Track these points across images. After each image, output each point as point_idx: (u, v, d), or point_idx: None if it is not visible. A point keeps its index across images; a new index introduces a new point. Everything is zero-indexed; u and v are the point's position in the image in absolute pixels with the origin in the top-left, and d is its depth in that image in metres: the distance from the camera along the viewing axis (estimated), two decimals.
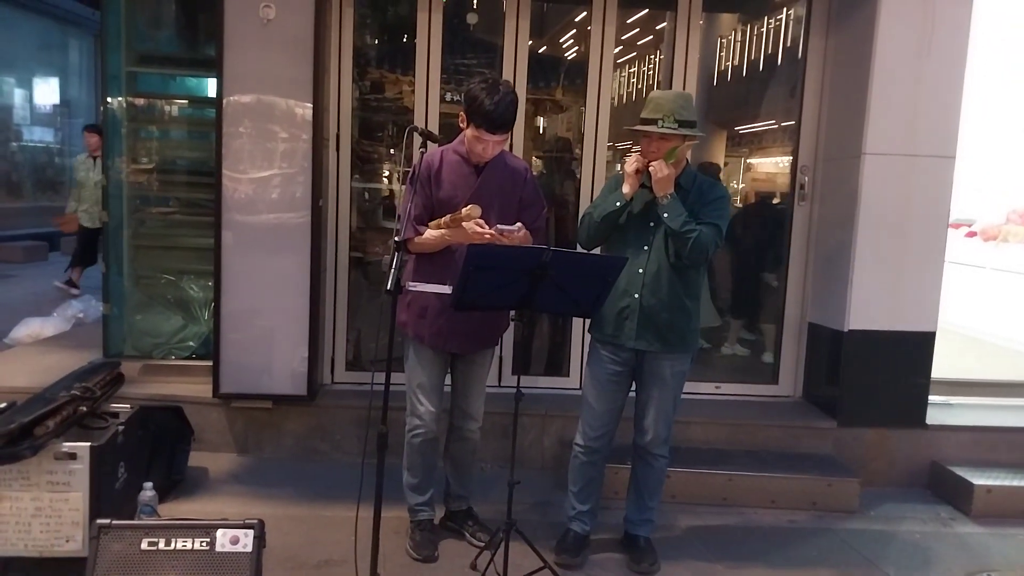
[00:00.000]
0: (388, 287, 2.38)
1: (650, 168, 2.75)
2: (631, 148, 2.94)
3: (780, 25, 4.79)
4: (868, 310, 3.87)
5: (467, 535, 3.12)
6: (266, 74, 3.61)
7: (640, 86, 5.35)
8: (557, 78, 4.77)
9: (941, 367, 4.03)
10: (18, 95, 12.61)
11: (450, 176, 2.83)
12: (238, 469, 3.74)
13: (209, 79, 4.30)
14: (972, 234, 7.98)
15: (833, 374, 4.01)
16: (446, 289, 2.62)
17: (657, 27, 4.69)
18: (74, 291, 7.51)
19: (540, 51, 4.66)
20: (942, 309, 3.94)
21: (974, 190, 7.45)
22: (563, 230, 4.50)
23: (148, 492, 2.94)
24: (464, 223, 2.63)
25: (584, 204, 4.10)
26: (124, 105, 4.33)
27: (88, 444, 2.71)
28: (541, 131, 5.16)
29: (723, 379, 4.42)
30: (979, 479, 3.74)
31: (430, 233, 2.76)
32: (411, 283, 2.69)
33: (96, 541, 2.17)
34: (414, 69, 4.06)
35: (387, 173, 4.61)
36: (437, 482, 3.14)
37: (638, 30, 4.83)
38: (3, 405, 2.88)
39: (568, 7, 4.73)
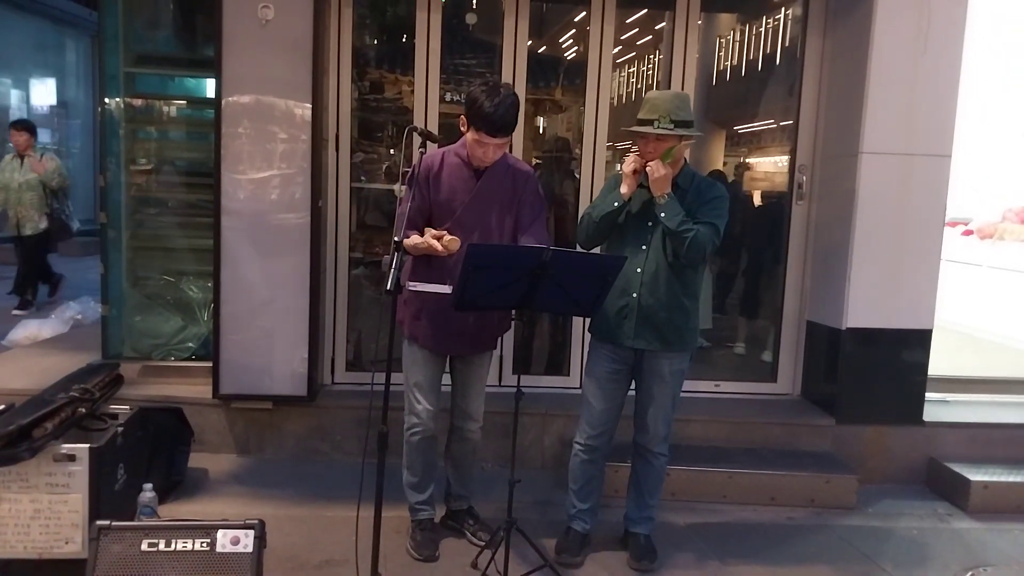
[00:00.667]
0: (388, 287, 2.38)
1: (647, 168, 2.75)
2: (630, 148, 2.93)
3: (778, 25, 4.81)
4: (866, 308, 3.89)
5: (468, 534, 3.13)
6: (265, 75, 3.61)
7: (639, 86, 5.36)
8: (556, 78, 4.77)
9: (938, 364, 4.04)
10: (14, 96, 12.52)
11: (449, 179, 2.82)
12: (238, 470, 3.74)
13: (208, 80, 4.30)
14: (968, 232, 8.01)
15: (831, 372, 4.03)
16: (446, 289, 2.62)
17: (656, 27, 4.71)
18: (28, 308, 6.72)
19: (539, 51, 4.67)
20: (939, 307, 3.95)
21: (971, 189, 7.49)
22: (563, 230, 4.50)
23: (148, 493, 2.93)
24: (440, 242, 2.64)
25: (584, 204, 4.11)
26: (122, 106, 4.32)
27: (87, 446, 2.70)
28: (540, 131, 5.17)
29: (722, 377, 4.44)
30: (976, 475, 3.75)
31: (414, 239, 2.71)
32: (411, 283, 2.70)
33: (96, 542, 2.17)
34: (413, 69, 4.06)
35: (383, 174, 4.61)
36: (437, 480, 3.14)
37: (637, 30, 4.84)
38: (1, 407, 2.87)
39: (567, 7, 4.74)
